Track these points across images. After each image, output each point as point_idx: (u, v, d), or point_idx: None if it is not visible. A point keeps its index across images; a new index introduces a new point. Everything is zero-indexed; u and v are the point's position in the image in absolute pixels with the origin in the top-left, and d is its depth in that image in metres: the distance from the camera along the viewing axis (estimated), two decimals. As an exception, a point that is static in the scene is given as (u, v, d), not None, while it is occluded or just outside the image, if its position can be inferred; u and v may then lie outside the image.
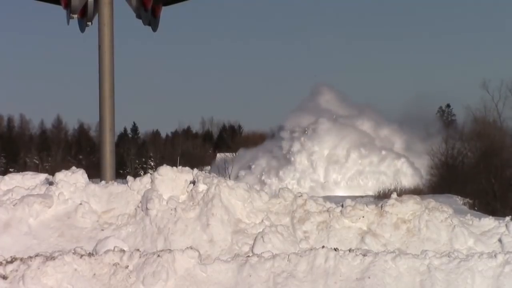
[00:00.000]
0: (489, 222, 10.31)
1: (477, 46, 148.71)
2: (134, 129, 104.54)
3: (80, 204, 9.63)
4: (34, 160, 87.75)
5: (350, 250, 8.77)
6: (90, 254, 8.41)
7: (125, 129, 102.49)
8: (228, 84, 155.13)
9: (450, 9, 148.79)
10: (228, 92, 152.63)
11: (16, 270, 8.13)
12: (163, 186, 9.81)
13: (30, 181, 10.33)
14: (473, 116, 61.24)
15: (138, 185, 9.94)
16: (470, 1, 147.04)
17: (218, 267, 8.45)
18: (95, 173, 12.52)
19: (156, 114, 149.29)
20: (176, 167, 10.07)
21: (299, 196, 10.14)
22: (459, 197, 39.60)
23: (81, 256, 8.31)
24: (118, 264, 8.31)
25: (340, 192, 55.49)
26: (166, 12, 12.59)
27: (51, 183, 10.01)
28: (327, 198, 11.54)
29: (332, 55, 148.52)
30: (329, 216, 9.91)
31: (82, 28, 12.50)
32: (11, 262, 8.23)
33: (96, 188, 9.91)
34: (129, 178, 10.12)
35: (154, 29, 12.46)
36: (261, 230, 9.43)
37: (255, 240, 9.33)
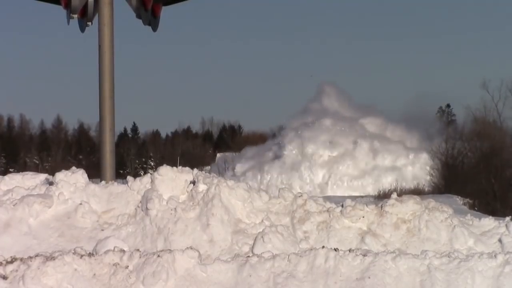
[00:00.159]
0: (489, 222, 10.31)
1: (477, 46, 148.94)
2: (134, 129, 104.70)
3: (80, 204, 9.62)
4: (34, 160, 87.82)
5: (350, 250, 8.77)
6: (90, 254, 8.41)
7: (125, 129, 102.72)
8: (228, 84, 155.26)
9: (450, 9, 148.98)
10: (228, 92, 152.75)
11: (16, 270, 8.12)
12: (163, 186, 9.80)
13: (30, 181, 10.33)
14: (473, 116, 61.11)
15: (138, 185, 9.93)
16: (470, 1, 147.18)
17: (218, 267, 8.44)
18: (95, 173, 12.51)
19: (156, 114, 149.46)
20: (176, 167, 10.06)
21: (299, 196, 10.14)
22: (459, 197, 39.60)
23: (81, 256, 8.31)
24: (118, 264, 8.31)
25: (345, 193, 55.35)
26: (166, 12, 12.59)
27: (51, 183, 10.00)
28: (327, 198, 11.54)
29: (332, 55, 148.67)
30: (329, 216, 9.90)
31: (82, 28, 12.50)
32: (11, 262, 8.22)
33: (96, 188, 9.91)
34: (129, 178, 10.12)
35: (154, 29, 12.45)
36: (261, 230, 9.43)
37: (255, 240, 9.32)
